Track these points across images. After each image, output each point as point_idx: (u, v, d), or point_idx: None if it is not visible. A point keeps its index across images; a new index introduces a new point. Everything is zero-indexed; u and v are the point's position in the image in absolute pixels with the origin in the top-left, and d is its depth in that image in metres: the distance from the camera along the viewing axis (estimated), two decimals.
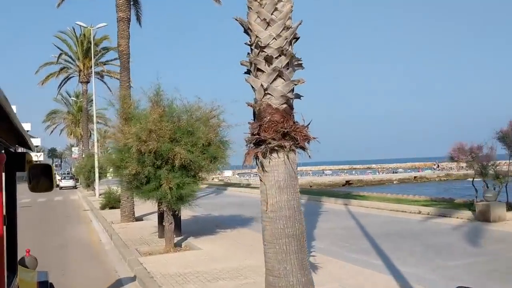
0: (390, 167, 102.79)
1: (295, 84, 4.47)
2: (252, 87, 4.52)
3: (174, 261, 8.91)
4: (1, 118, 1.92)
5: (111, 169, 10.68)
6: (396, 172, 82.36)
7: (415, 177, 69.36)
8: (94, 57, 34.32)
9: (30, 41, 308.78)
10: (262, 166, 4.40)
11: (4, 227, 2.23)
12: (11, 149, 2.75)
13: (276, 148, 4.28)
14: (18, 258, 3.43)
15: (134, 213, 16.20)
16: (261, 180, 4.50)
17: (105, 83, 42.62)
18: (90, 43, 38.89)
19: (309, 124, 4.43)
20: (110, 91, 49.07)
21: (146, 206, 11.94)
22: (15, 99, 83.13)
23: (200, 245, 10.54)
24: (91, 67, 37.64)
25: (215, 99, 10.30)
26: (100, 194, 30.11)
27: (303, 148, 4.42)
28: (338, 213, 15.86)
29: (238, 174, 63.99)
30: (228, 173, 59.17)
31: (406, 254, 8.71)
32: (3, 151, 2.11)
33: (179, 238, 11.46)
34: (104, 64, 40.82)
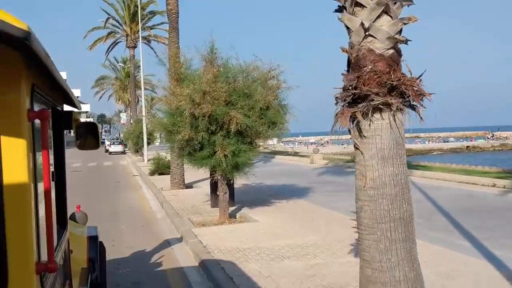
0: (439, 136, 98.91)
1: (404, 24, 3.43)
2: (347, 27, 3.52)
3: (230, 234, 8.22)
4: (46, 77, 1.98)
5: (161, 135, 10.00)
6: (447, 141, 79.04)
7: (467, 146, 66.15)
8: (141, 21, 33.79)
9: (79, 6, 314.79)
10: (359, 131, 3.45)
11: (53, 183, 2.32)
12: (58, 108, 2.77)
13: (381, 106, 3.30)
14: (69, 214, 3.63)
15: (184, 180, 15.72)
16: (356, 148, 3.56)
17: (152, 48, 42.31)
18: (137, 7, 38.49)
19: (421, 75, 3.41)
20: (157, 56, 49.03)
21: (196, 173, 11.31)
22: (66, 66, 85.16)
23: (256, 217, 9.81)
24: (138, 31, 37.27)
25: (274, 58, 9.34)
26: (148, 160, 30.16)
27: (413, 108, 3.42)
28: None
29: (282, 142, 63.25)
30: (272, 141, 58.45)
31: (496, 233, 7.59)
32: (49, 109, 2.12)
33: (233, 208, 10.78)
34: (151, 29, 40.35)
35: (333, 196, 12.57)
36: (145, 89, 42.68)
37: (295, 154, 31.88)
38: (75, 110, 3.27)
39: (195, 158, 9.30)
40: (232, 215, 9.97)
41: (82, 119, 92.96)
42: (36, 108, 1.89)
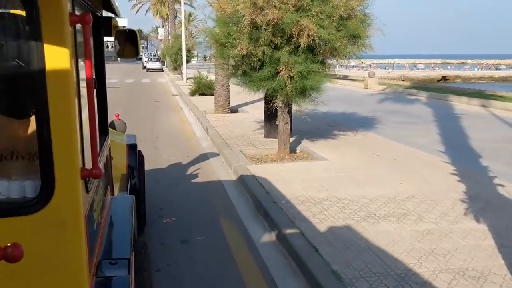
0: (488, 63, 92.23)
1: None
2: None
3: (297, 176, 6.61)
4: None
5: (210, 49, 8.13)
6: (498, 69, 73.51)
7: None
8: None
9: None
10: None
11: (94, 90, 2.23)
12: (97, 13, 2.69)
13: None
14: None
15: (229, 103, 14.05)
16: None
17: None
18: None
19: None
20: None
21: (240, 96, 9.55)
22: None
23: (322, 153, 8.13)
24: None
25: None
26: (187, 79, 28.62)
27: None
28: (482, 118, 12.57)
29: None
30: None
31: None
32: (89, 13, 1.92)
33: (291, 139, 9.13)
34: None
35: (406, 129, 10.66)
36: (184, 3, 40.15)
37: (345, 77, 29.46)
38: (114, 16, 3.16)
39: (252, 79, 7.48)
40: (292, 149, 8.33)
41: (119, 20, 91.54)
42: (77, 12, 1.82)
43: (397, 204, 5.36)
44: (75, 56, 1.76)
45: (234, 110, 14.33)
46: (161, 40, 62.58)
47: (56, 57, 1.61)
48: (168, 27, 47.14)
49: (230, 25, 7.20)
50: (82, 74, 1.86)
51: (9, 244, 1.24)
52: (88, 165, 1.86)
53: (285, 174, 6.73)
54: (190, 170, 7.56)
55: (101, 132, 2.71)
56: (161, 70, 46.41)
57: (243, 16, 6.82)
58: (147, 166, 5.37)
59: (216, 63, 13.72)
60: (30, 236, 1.70)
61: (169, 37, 43.02)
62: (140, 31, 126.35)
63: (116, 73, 39.33)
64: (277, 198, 5.57)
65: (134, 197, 3.30)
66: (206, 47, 8.05)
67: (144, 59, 51.81)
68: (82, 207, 1.76)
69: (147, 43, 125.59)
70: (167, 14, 50.14)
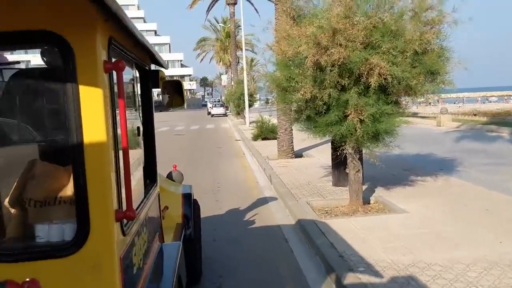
0: None
1: None
2: None
3: (373, 233, 5.78)
4: (126, 33, 2.04)
5: (270, 94, 7.65)
6: None
7: None
8: None
9: None
10: None
11: (139, 137, 2.58)
12: (145, 67, 2.87)
13: None
14: (166, 173, 4.93)
15: (293, 147, 13.45)
16: None
17: (252, 4, 40.11)
18: None
19: None
20: (257, 12, 46.79)
21: (303, 138, 8.81)
22: (169, 31, 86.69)
23: (399, 203, 7.22)
24: None
25: None
26: (250, 123, 28.55)
27: None
28: None
29: None
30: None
31: None
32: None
33: (363, 187, 8.29)
34: None
35: (493, 172, 9.44)
36: (245, 49, 40.98)
37: (414, 114, 28.00)
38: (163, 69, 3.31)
39: (317, 124, 6.85)
40: (365, 199, 7.49)
41: (185, 83, 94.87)
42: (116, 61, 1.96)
43: (503, 271, 4.38)
44: (111, 100, 1.80)
45: (298, 154, 13.69)
46: (224, 86, 64.14)
47: (90, 103, 1.68)
48: (231, 73, 48.19)
49: (292, 68, 6.68)
50: (121, 118, 1.90)
51: (27, 280, 1.26)
52: (124, 207, 1.90)
53: (359, 231, 5.91)
54: (252, 225, 6.94)
55: (149, 179, 2.86)
56: (225, 115, 47.20)
57: (306, 57, 6.28)
58: (207, 218, 4.92)
59: (278, 108, 13.41)
60: (66, 278, 1.75)
61: (232, 83, 43.82)
62: (205, 79, 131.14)
63: (183, 120, 40.38)
64: (354, 263, 4.77)
65: (181, 244, 3.22)
66: (267, 92, 7.57)
67: (209, 105, 53.13)
68: (116, 249, 1.77)
69: (212, 90, 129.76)
70: (229, 61, 51.42)
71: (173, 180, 5.12)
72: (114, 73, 1.87)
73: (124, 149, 1.88)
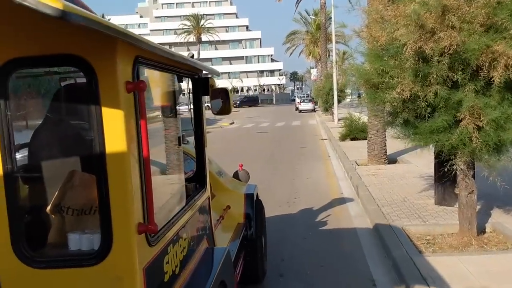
0: None
1: None
2: None
3: (496, 284, 4.17)
4: (174, 58, 2.33)
5: (358, 91, 6.20)
6: None
7: None
8: None
9: None
10: None
11: (180, 147, 2.73)
12: (195, 76, 3.04)
13: None
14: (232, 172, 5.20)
15: (386, 151, 11.75)
16: None
17: None
18: None
19: None
20: (350, 2, 44.57)
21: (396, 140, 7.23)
22: (260, 25, 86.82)
23: None
24: None
25: None
26: (339, 120, 26.83)
27: None
28: None
29: None
30: None
31: None
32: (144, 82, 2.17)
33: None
34: None
35: None
36: (336, 42, 39.09)
37: None
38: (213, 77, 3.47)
39: (418, 130, 5.30)
40: (479, 226, 5.79)
41: (275, 78, 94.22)
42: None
43: None
44: (135, 119, 1.90)
45: (391, 159, 11.96)
46: (314, 80, 62.44)
47: (113, 123, 1.80)
48: (321, 67, 46.47)
49: (385, 58, 5.19)
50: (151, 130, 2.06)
51: None
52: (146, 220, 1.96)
53: (476, 280, 4.33)
54: (331, 256, 5.61)
55: (199, 184, 3.04)
56: (313, 111, 45.65)
57: (405, 45, 4.79)
58: (277, 244, 4.95)
59: (368, 106, 11.78)
60: (92, 287, 1.85)
61: (321, 77, 42.13)
62: (295, 73, 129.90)
63: (270, 116, 39.63)
64: None
65: (228, 248, 3.20)
66: (352, 89, 6.11)
67: (297, 100, 51.83)
68: (138, 262, 1.84)
69: (302, 84, 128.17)
70: (319, 54, 49.64)
71: (239, 180, 5.12)
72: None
73: (146, 167, 1.93)
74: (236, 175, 5.22)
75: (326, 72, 35.86)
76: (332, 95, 28.78)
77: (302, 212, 7.63)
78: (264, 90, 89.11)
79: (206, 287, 2.47)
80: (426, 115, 5.08)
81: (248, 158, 6.44)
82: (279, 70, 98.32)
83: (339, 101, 28.80)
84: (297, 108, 48.48)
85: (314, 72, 59.32)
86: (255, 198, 4.69)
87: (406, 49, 4.67)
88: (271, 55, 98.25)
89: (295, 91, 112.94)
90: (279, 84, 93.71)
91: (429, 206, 7.13)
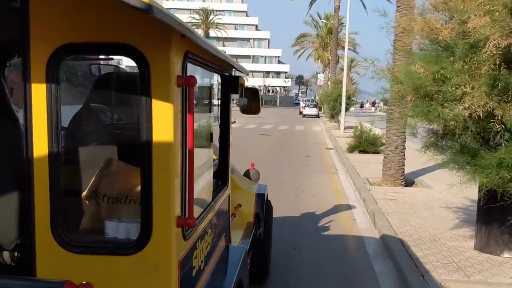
0: None
1: None
2: None
3: None
4: (205, 48, 2.14)
5: (399, 102, 4.71)
6: None
7: None
8: None
9: None
10: None
11: (212, 143, 2.86)
12: (225, 73, 2.99)
13: None
14: (243, 171, 5.12)
15: (403, 171, 10.29)
16: None
17: None
18: None
19: None
20: (365, 8, 43.15)
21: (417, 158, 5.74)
22: (269, 25, 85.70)
23: None
24: None
25: None
26: (345, 128, 25.42)
27: None
28: None
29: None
30: None
31: None
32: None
33: None
34: None
35: None
36: (348, 48, 37.84)
37: None
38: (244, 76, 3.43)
39: (481, 161, 3.87)
40: None
41: (280, 80, 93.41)
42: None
43: None
44: (183, 113, 1.91)
45: (408, 181, 10.50)
46: (320, 85, 61.04)
47: (161, 114, 1.80)
48: (329, 72, 45.07)
49: (448, 59, 3.75)
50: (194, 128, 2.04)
51: (84, 282, 1.31)
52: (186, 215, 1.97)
53: None
54: None
55: (222, 182, 3.00)
56: (317, 116, 44.33)
57: (481, 41, 3.35)
58: None
59: (390, 118, 10.34)
60: (126, 275, 1.87)
61: (329, 83, 40.74)
62: (301, 77, 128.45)
63: (273, 118, 38.16)
64: None
65: (245, 248, 3.22)
66: (392, 99, 4.64)
67: (302, 104, 50.51)
68: (175, 254, 1.87)
69: (307, 89, 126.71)
70: (328, 59, 48.27)
71: (250, 178, 5.07)
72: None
73: (189, 162, 1.95)
74: (247, 174, 5.15)
75: (334, 78, 34.40)
76: (340, 102, 27.39)
77: (308, 247, 6.18)
78: (269, 91, 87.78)
79: (227, 287, 2.51)
80: (498, 141, 3.64)
81: (248, 165, 5.16)
82: (285, 72, 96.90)
83: (346, 109, 27.39)
84: (301, 112, 47.14)
85: (321, 77, 57.94)
86: (265, 198, 4.67)
87: (488, 46, 3.23)
88: (278, 57, 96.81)
89: (300, 95, 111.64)
90: (284, 87, 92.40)
91: (468, 251, 5.67)
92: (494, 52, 3.18)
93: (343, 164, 13.64)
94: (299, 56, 63.82)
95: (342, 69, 44.96)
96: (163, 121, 1.79)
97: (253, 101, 3.47)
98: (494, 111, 3.42)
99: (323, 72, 57.49)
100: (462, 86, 3.56)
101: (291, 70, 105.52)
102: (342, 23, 42.78)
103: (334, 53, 38.36)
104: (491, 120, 3.53)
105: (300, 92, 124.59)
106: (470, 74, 3.55)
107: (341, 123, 26.16)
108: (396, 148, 10.12)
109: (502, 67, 3.34)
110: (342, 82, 27.45)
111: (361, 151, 15.88)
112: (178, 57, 1.86)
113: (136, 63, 1.81)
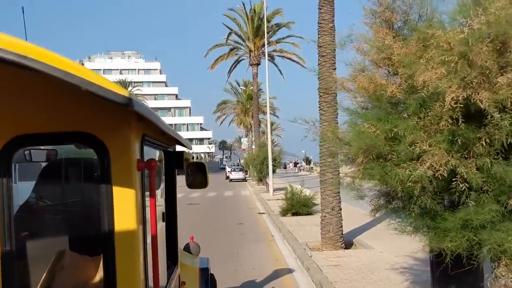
0: None
1: None
2: None
3: None
4: (159, 129, 2.11)
5: (354, 161, 4.35)
6: None
7: None
8: (267, 33, 29.42)
9: (200, 31, 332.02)
10: None
11: (163, 223, 2.60)
12: (169, 149, 2.89)
13: None
14: (183, 244, 4.64)
15: (342, 233, 9.96)
16: None
17: (276, 65, 38.18)
18: (261, 20, 34.73)
19: None
20: (281, 74, 45.11)
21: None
22: (190, 94, 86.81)
23: None
24: (263, 46, 33.34)
25: None
26: (274, 190, 25.25)
27: None
28: None
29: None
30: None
31: None
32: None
33: None
34: (277, 43, 35.97)
35: None
36: (266, 113, 38.78)
37: None
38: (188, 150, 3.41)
39: (444, 224, 3.53)
40: None
41: (204, 146, 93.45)
42: (148, 153, 2.04)
43: None
44: (142, 197, 1.85)
45: (347, 242, 10.17)
46: (244, 149, 61.50)
47: (124, 202, 1.73)
48: (252, 136, 45.62)
49: (404, 115, 3.47)
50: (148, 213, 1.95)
51: None
52: None
53: None
54: None
55: (171, 261, 2.87)
56: (244, 180, 44.16)
57: (437, 94, 3.10)
58: None
59: (323, 179, 10.13)
60: None
61: (253, 146, 41.06)
62: (224, 142, 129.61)
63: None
64: None
65: None
66: (342, 161, 4.25)
67: (228, 169, 50.24)
68: None
69: (231, 153, 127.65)
70: (250, 123, 49.11)
71: (190, 253, 4.87)
72: None
73: (153, 247, 1.89)
74: (187, 248, 4.92)
75: (259, 141, 34.70)
76: (267, 164, 27.40)
77: None
78: (193, 158, 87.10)
79: None
80: (468, 203, 3.32)
81: (181, 238, 4.49)
82: (209, 138, 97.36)
83: (273, 171, 27.39)
84: (227, 177, 46.75)
85: (244, 141, 58.53)
86: (209, 272, 4.53)
87: (447, 100, 2.97)
88: (201, 124, 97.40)
89: (224, 159, 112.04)
90: (208, 153, 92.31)
91: None
92: (454, 106, 2.94)
93: (278, 229, 13.13)
94: (222, 122, 64.45)
95: (263, 132, 45.84)
96: (125, 207, 1.73)
97: (199, 175, 3.37)
98: (458, 169, 3.13)
99: (246, 136, 58.19)
100: (419, 144, 3.26)
101: (214, 135, 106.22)
102: (261, 89, 44.19)
103: (256, 117, 39.04)
104: (453, 179, 3.23)
105: (224, 156, 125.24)
106: (426, 131, 3.28)
107: (269, 186, 25.98)
108: (332, 209, 9.83)
109: (460, 122, 3.10)
110: (267, 145, 27.65)
111: (294, 214, 15.57)
112: (137, 141, 1.83)
113: (95, 151, 1.77)
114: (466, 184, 3.20)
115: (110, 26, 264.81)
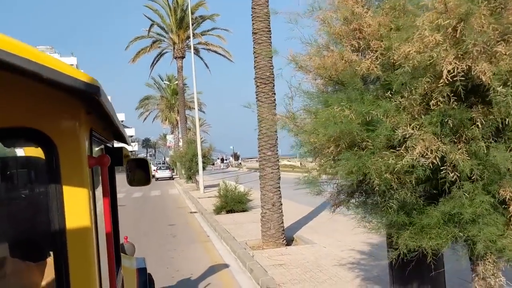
0: None
1: None
2: None
3: None
4: (102, 119, 2.01)
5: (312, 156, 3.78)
6: None
7: None
8: (191, 26, 28.43)
9: (121, 26, 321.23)
10: None
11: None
12: (108, 145, 2.83)
13: None
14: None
15: (283, 229, 9.51)
16: None
17: (201, 58, 37.16)
18: (184, 12, 33.61)
19: None
20: (207, 67, 44.09)
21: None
22: (110, 90, 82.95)
23: None
24: (187, 38, 32.28)
25: None
26: (205, 187, 24.50)
27: None
28: None
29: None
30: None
31: None
32: (102, 148, 2.28)
33: None
34: (202, 35, 35.00)
35: None
36: (193, 108, 37.80)
37: None
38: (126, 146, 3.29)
39: (426, 219, 3.09)
40: None
41: (127, 145, 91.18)
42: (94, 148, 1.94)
43: None
44: (93, 196, 1.76)
45: (288, 238, 9.75)
46: (169, 147, 59.83)
47: (75, 202, 1.62)
48: (179, 133, 44.31)
49: (386, 94, 2.95)
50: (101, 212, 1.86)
51: None
52: None
53: None
54: None
55: (116, 263, 2.60)
56: (171, 178, 42.84)
57: (428, 68, 2.62)
58: None
59: (262, 174, 9.61)
60: None
61: (180, 143, 39.86)
62: (148, 140, 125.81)
63: (124, 185, 35.33)
64: None
65: None
66: (304, 152, 3.66)
67: (153, 167, 48.50)
68: None
69: (155, 151, 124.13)
70: (176, 119, 47.70)
71: (125, 253, 4.64)
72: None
73: (109, 247, 1.84)
74: (122, 249, 4.54)
75: (187, 138, 33.64)
76: (196, 161, 26.53)
77: None
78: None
79: None
80: (455, 194, 2.88)
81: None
82: (131, 136, 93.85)
83: (203, 168, 26.57)
84: (153, 176, 45.04)
85: (170, 138, 56.90)
86: (146, 272, 4.40)
87: (444, 73, 2.47)
88: (122, 121, 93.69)
89: (148, 158, 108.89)
90: (131, 151, 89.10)
91: None
92: (450, 80, 2.47)
93: (213, 228, 12.45)
94: (145, 118, 62.18)
95: (189, 129, 44.69)
96: (77, 208, 1.61)
97: (141, 172, 3.23)
98: (450, 155, 2.67)
99: (172, 133, 56.57)
100: (403, 128, 2.77)
101: (137, 133, 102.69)
102: (186, 84, 42.93)
103: (182, 113, 37.76)
104: (442, 168, 2.78)
105: (148, 155, 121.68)
106: (409, 112, 2.79)
107: (200, 183, 25.15)
108: (273, 205, 9.34)
109: (452, 100, 2.64)
110: (196, 142, 26.77)
111: (228, 211, 14.96)
112: (86, 136, 1.70)
113: (42, 148, 1.61)
114: (457, 173, 2.74)
115: (20, 19, 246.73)
